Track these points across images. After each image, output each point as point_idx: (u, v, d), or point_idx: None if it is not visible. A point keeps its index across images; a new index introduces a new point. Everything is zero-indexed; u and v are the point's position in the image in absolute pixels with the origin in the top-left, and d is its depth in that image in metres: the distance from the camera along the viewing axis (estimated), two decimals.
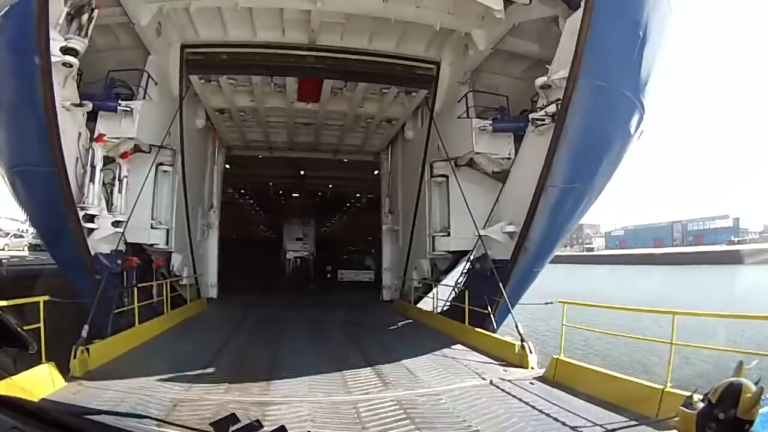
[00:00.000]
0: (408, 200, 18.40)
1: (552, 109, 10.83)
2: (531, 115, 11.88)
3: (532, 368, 8.74)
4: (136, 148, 13.04)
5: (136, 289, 11.74)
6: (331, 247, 35.30)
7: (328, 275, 28.35)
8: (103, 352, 8.43)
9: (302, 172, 28.24)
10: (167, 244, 14.50)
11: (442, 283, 16.37)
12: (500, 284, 11.60)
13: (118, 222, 12.02)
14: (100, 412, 1.56)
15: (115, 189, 12.38)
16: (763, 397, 1.41)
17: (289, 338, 11.60)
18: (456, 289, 14.74)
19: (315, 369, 8.06)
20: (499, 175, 14.21)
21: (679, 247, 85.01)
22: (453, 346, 10.68)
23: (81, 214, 10.47)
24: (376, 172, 27.83)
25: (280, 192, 33.56)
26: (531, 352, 9.02)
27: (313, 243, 30.45)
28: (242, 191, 34.43)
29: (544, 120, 11.24)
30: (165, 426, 1.91)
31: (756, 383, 1.47)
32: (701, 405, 1.55)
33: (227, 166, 21.59)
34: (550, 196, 10.87)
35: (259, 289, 22.83)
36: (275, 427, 1.62)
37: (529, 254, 11.88)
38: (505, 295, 11.53)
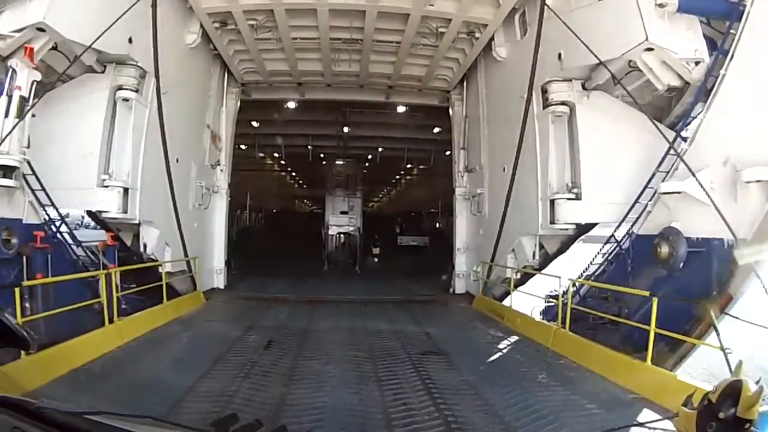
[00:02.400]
0: (499, 150, 12.29)
1: None
2: None
3: None
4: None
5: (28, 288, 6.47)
6: (380, 222, 30.21)
7: (376, 258, 22.64)
8: None
9: (345, 129, 22.58)
10: (125, 211, 9.15)
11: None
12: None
13: (11, 169, 6.77)
14: (100, 412, 1.49)
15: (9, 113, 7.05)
16: (763, 396, 1.31)
17: (312, 388, 5.83)
18: (574, 286, 9.43)
19: None
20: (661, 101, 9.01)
21: None
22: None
23: None
24: (436, 130, 22.35)
25: (322, 156, 28.40)
26: None
27: (359, 217, 25.47)
28: (277, 156, 29.48)
29: None
30: (165, 426, 1.78)
31: (756, 382, 1.37)
32: (702, 404, 1.42)
33: (243, 113, 16.14)
34: None
35: (290, 275, 17.55)
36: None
37: None
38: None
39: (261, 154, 28.90)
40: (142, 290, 9.51)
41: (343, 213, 25.75)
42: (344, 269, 21.27)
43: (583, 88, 10.16)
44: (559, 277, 9.49)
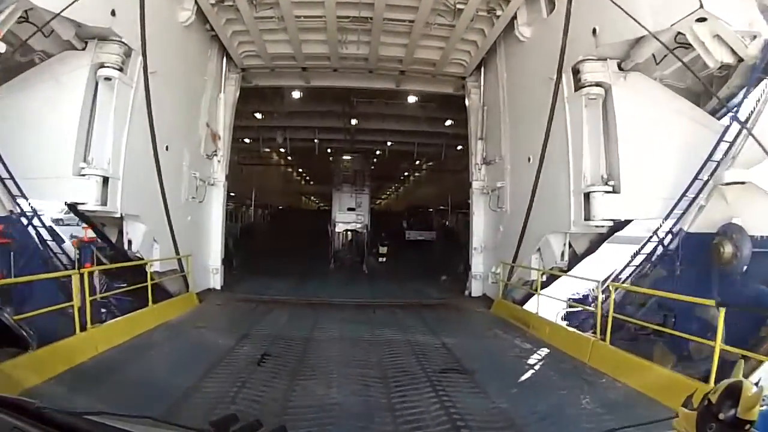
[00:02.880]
0: (523, 139, 11.16)
1: None
2: None
3: None
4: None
5: None
6: (387, 219, 30.39)
7: (381, 258, 21.41)
8: None
9: (353, 121, 21.52)
10: (105, 203, 8.14)
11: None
12: None
13: None
14: (100, 412, 1.50)
15: None
16: (763, 397, 1.32)
17: (310, 421, 4.70)
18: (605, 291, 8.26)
19: None
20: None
21: None
22: None
23: None
24: (448, 123, 21.24)
25: (329, 151, 27.39)
26: None
27: (368, 214, 24.19)
28: (282, 151, 28.57)
29: None
30: (165, 426, 1.82)
31: (756, 383, 1.36)
32: (702, 405, 1.40)
33: (244, 102, 15.12)
34: None
35: (294, 274, 16.56)
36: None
37: None
38: None
39: (267, 149, 27.92)
40: (130, 291, 8.55)
41: (350, 209, 24.58)
42: (351, 268, 20.18)
43: (619, 68, 9.04)
44: (598, 282, 8.31)
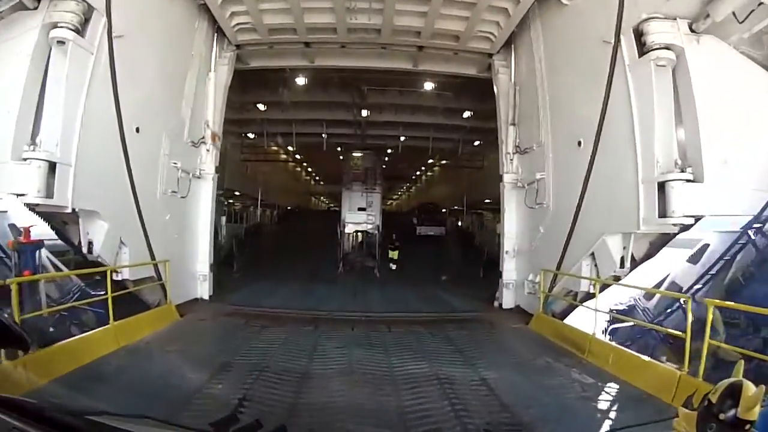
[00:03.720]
0: (569, 120, 9.27)
1: None
2: None
3: None
4: None
5: None
6: (399, 220, 29.72)
7: (393, 265, 19.33)
8: None
9: (364, 113, 19.76)
10: (51, 195, 6.47)
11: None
12: None
13: None
14: (100, 412, 1.50)
15: None
16: (763, 396, 1.33)
17: None
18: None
19: None
20: None
21: None
22: None
23: None
24: (466, 114, 19.42)
25: (339, 149, 25.71)
26: None
27: (379, 214, 22.42)
28: (291, 150, 27.21)
29: None
30: (165, 426, 1.78)
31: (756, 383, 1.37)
32: (702, 405, 1.41)
33: (244, 91, 13.45)
34: None
35: (298, 279, 14.90)
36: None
37: None
38: None
39: (273, 146, 26.38)
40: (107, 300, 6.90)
41: (360, 209, 22.87)
42: (361, 272, 18.36)
43: (691, 30, 7.24)
44: (686, 299, 6.42)
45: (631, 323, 8.82)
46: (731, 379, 1.39)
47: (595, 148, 8.23)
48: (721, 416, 1.31)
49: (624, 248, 8.06)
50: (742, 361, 1.64)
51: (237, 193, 26.10)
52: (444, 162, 32.27)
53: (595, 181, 8.26)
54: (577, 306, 9.19)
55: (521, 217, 11.09)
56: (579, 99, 8.75)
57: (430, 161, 33.43)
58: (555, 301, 9.62)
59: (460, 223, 32.27)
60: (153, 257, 8.74)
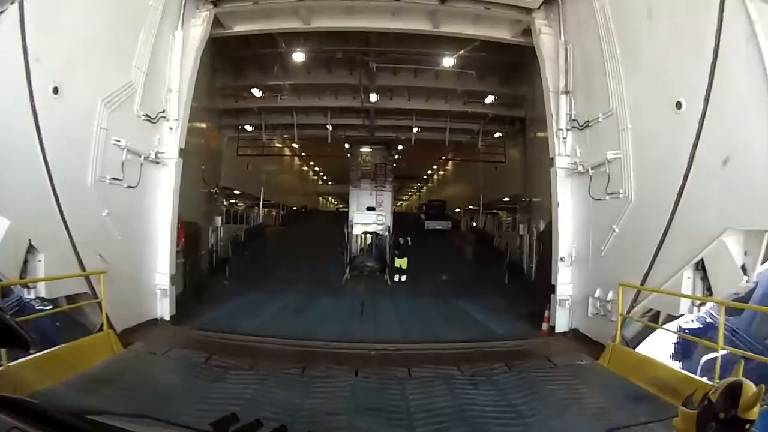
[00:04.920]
0: (655, 78, 6.64)
1: None
2: None
3: None
4: None
5: None
6: (408, 220, 28.77)
7: (401, 275, 15.85)
8: None
9: (372, 98, 17.36)
10: None
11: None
12: None
13: None
14: (100, 412, 1.46)
15: None
16: (763, 396, 1.26)
17: None
18: None
19: None
20: None
21: None
22: None
23: None
24: (489, 99, 17.17)
25: (347, 145, 23.74)
26: None
27: (390, 214, 20.78)
28: (296, 146, 26.76)
29: None
30: (165, 426, 1.69)
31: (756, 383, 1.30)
32: (702, 404, 1.36)
33: (237, 72, 11.16)
34: None
35: (296, 290, 12.60)
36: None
37: None
38: None
39: (274, 140, 24.32)
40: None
41: (369, 209, 21.13)
42: (370, 279, 15.85)
43: None
44: None
45: (724, 351, 6.19)
46: (731, 379, 1.31)
47: (704, 112, 5.66)
48: (721, 416, 1.26)
49: (746, 253, 5.53)
50: (742, 361, 1.71)
51: (236, 192, 24.30)
52: (460, 159, 29.98)
53: (706, 158, 5.68)
54: (653, 330, 6.70)
55: (581, 212, 8.38)
56: (673, 43, 6.19)
57: (444, 158, 31.09)
58: (629, 323, 7.09)
59: (475, 224, 30.40)
60: (82, 267, 6.32)
